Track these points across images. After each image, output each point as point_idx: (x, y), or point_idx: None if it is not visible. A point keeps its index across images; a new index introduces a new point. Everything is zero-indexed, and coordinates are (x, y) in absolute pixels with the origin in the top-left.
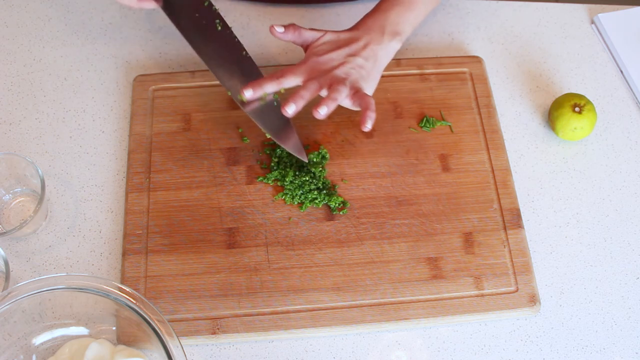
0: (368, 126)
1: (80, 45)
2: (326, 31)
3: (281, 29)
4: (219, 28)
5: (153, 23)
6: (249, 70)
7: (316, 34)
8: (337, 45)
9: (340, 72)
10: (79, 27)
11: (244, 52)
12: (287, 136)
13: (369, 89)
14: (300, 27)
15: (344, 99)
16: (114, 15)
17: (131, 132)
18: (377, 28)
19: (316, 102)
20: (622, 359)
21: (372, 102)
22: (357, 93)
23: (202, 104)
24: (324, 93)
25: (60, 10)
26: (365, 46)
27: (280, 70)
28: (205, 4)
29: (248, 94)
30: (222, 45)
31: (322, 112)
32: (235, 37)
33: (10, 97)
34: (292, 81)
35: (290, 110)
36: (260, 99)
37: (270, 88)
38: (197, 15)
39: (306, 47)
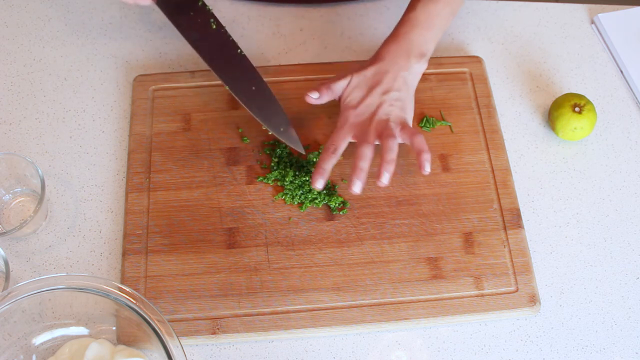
0: (427, 169)
1: (80, 45)
2: (351, 74)
3: (316, 95)
4: (214, 27)
5: (153, 23)
6: (244, 67)
7: (344, 82)
8: (368, 87)
9: (381, 114)
10: (79, 27)
11: (239, 50)
12: (279, 121)
13: (410, 115)
14: (329, 82)
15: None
16: (114, 15)
17: (131, 132)
18: (402, 54)
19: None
20: (622, 359)
21: (423, 140)
22: (404, 129)
23: (202, 104)
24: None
25: (60, 10)
26: (395, 77)
27: (328, 141)
28: (199, 3)
29: (319, 185)
30: (218, 43)
31: (385, 180)
32: (230, 36)
33: (10, 97)
34: (344, 145)
35: (358, 188)
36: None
37: (330, 165)
38: (191, 13)
39: (339, 98)
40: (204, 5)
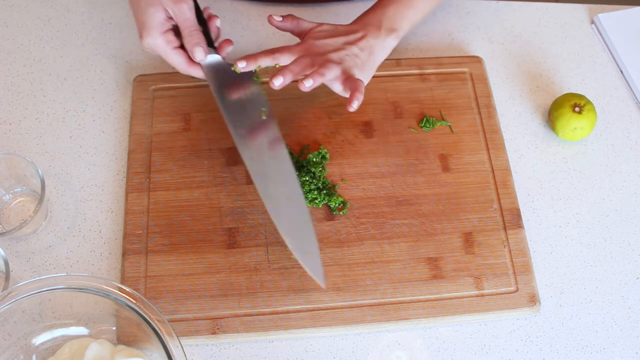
0: (354, 106)
1: (80, 45)
2: (324, 23)
3: (279, 18)
4: (264, 117)
5: None
6: (291, 188)
7: (313, 24)
8: (335, 33)
9: (335, 56)
10: (79, 27)
11: (285, 149)
12: (308, 250)
13: (365, 77)
14: (299, 18)
15: (334, 81)
16: (114, 15)
17: (131, 132)
18: (374, 23)
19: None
20: (622, 359)
21: (362, 85)
22: (348, 78)
23: (202, 104)
24: None
25: (60, 10)
26: (362, 37)
27: (277, 47)
28: (254, 87)
29: (241, 64)
30: (263, 139)
31: (307, 84)
32: (278, 132)
33: (10, 97)
34: (287, 58)
35: (278, 82)
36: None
37: (264, 62)
38: (244, 96)
39: (303, 37)
40: (260, 89)
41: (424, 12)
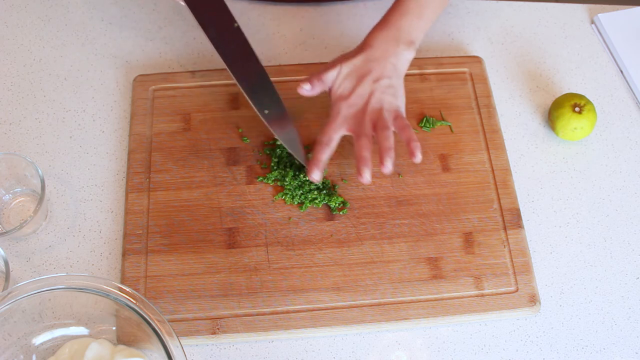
0: (418, 156)
1: (80, 45)
2: (341, 63)
3: (308, 86)
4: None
5: (153, 23)
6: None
7: (334, 72)
8: (358, 76)
9: (374, 103)
10: (79, 27)
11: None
12: (284, 125)
13: (402, 102)
14: (319, 74)
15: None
16: (114, 15)
17: (131, 132)
18: (391, 41)
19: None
20: (622, 359)
21: (412, 131)
22: (397, 119)
23: (202, 104)
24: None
25: (60, 10)
26: (385, 65)
27: (321, 134)
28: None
29: (316, 175)
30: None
31: (389, 166)
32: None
33: (10, 97)
34: (337, 137)
35: (368, 175)
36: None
37: (325, 155)
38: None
39: (329, 89)
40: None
41: (432, 20)
